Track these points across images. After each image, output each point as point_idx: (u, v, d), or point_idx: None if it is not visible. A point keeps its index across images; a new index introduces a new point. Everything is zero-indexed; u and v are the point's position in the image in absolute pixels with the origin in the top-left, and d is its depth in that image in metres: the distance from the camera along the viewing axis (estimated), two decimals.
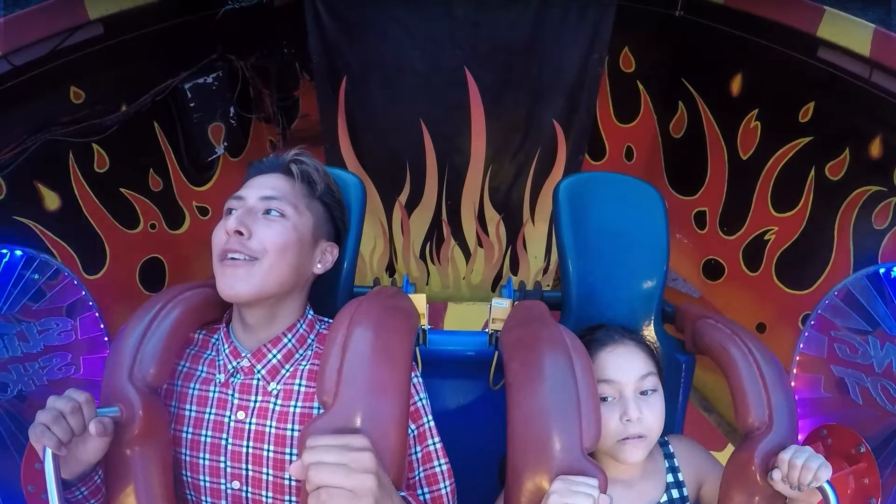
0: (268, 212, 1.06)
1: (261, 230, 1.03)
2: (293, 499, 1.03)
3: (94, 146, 1.87)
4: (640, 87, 2.48)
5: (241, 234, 1.02)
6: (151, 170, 2.13)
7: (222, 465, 1.04)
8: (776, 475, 0.99)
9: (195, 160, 2.30)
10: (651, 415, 1.13)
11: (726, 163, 2.27)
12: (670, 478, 1.22)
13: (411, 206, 2.53)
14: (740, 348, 1.18)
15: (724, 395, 1.18)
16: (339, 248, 1.20)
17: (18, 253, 1.46)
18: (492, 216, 2.58)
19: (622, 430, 1.11)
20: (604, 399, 1.13)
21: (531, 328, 1.17)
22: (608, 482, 0.93)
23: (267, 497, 1.04)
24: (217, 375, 1.09)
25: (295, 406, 1.05)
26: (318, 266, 1.13)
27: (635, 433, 1.11)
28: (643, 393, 1.15)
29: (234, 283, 1.01)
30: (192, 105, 2.17)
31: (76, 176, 1.83)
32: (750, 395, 1.10)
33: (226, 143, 2.40)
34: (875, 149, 1.75)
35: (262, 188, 1.09)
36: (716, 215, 2.36)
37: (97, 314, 1.57)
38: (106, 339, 1.58)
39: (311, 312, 1.16)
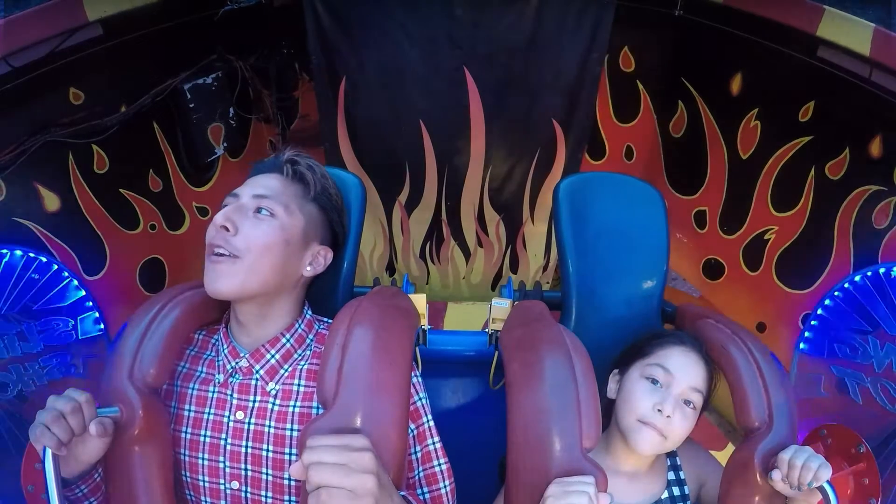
0: (258, 210, 1.06)
1: (247, 228, 1.03)
2: (293, 499, 1.03)
3: (94, 147, 1.87)
4: (640, 86, 2.47)
5: (226, 229, 1.02)
6: (151, 170, 2.13)
7: (221, 465, 1.04)
8: (776, 475, 0.99)
9: (195, 161, 2.30)
10: (680, 424, 1.14)
11: (726, 162, 2.27)
12: (671, 475, 1.22)
13: (411, 205, 2.53)
14: (740, 348, 1.18)
15: (724, 395, 1.18)
16: (334, 252, 1.19)
17: (18, 253, 1.47)
18: (491, 217, 2.58)
19: (649, 415, 1.13)
20: (653, 381, 1.15)
21: (531, 328, 1.17)
22: (614, 473, 0.93)
23: (266, 497, 1.04)
24: (216, 376, 1.09)
25: (294, 406, 1.05)
26: (308, 269, 1.12)
27: (658, 426, 1.12)
28: (686, 402, 1.15)
29: (215, 278, 1.02)
30: (191, 106, 2.17)
31: (76, 177, 1.83)
32: (750, 395, 1.10)
33: (225, 144, 2.39)
34: (875, 148, 1.74)
35: (256, 187, 1.09)
36: (716, 215, 2.36)
37: (97, 314, 1.57)
38: (106, 339, 1.58)
39: (310, 312, 1.16)
